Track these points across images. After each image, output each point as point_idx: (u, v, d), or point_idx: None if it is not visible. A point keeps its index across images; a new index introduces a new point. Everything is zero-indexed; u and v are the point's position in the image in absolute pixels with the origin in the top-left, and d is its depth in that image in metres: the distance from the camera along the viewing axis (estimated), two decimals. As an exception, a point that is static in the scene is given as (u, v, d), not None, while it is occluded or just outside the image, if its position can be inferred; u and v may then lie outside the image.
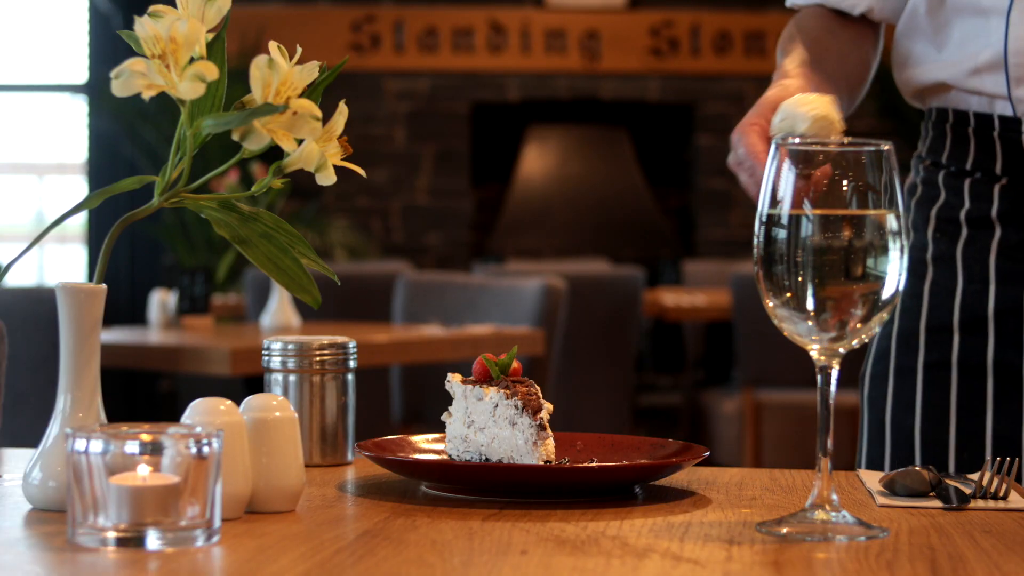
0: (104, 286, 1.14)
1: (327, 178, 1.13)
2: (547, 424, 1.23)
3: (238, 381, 3.71)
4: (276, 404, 1.14)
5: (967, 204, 1.53)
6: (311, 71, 1.12)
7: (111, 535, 0.96)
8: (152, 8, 1.08)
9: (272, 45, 1.11)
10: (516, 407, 1.24)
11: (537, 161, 7.71)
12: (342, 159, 1.16)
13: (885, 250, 1.04)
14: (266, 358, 1.37)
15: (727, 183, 7.55)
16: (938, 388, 1.53)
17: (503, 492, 1.19)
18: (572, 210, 7.64)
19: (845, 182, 1.04)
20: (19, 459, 1.36)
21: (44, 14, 7.77)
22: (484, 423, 1.27)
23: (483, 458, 1.27)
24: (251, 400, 1.14)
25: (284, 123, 1.09)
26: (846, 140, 1.05)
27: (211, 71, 1.05)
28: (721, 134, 7.47)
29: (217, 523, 0.98)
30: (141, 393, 6.94)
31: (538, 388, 1.25)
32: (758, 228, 1.06)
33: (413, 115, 7.64)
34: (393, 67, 7.60)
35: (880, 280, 1.04)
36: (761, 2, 7.46)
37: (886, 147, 1.05)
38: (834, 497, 1.06)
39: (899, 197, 1.05)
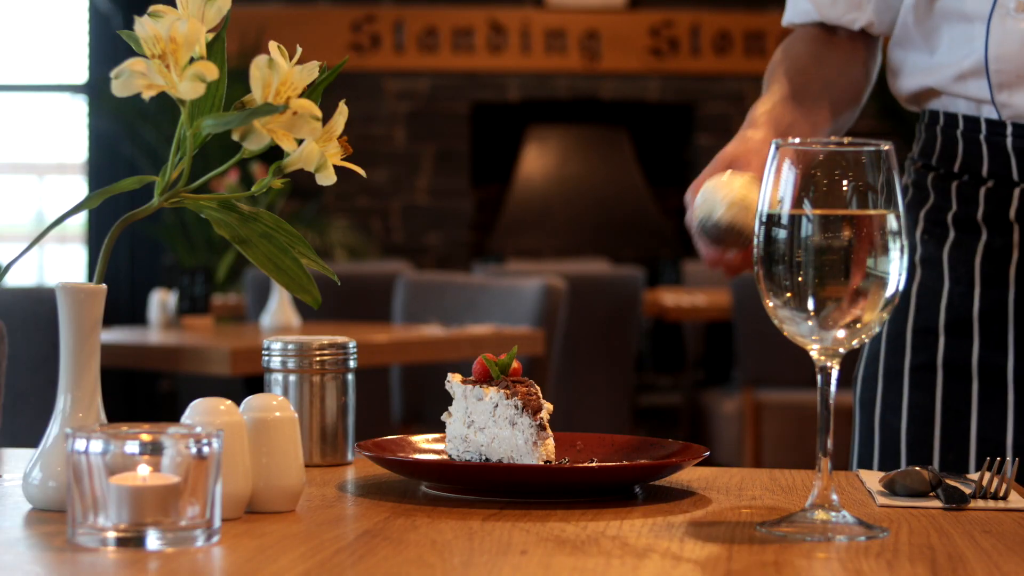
0: (104, 286, 1.14)
1: (327, 178, 1.13)
2: (547, 424, 1.23)
3: (238, 381, 3.71)
4: (276, 404, 1.14)
5: (954, 207, 1.54)
6: (311, 71, 1.12)
7: (111, 535, 0.96)
8: (152, 8, 1.08)
9: (272, 45, 1.11)
10: (516, 407, 1.24)
11: (537, 161, 7.71)
12: (342, 159, 1.16)
13: (885, 250, 1.04)
14: (266, 358, 1.37)
15: (727, 183, 7.53)
16: (924, 390, 1.54)
17: (503, 492, 1.19)
18: (572, 210, 7.64)
19: (845, 182, 1.04)
20: (19, 459, 1.36)
21: (44, 14, 7.77)
22: (484, 423, 1.27)
23: (483, 458, 1.27)
24: (251, 400, 1.14)
25: (284, 123, 1.09)
26: (846, 140, 1.05)
27: (211, 71, 1.05)
28: (721, 134, 7.47)
29: (217, 523, 0.98)
30: (141, 393, 6.94)
31: (538, 388, 1.25)
32: (758, 228, 1.06)
33: (413, 115, 7.64)
34: (393, 67, 7.60)
35: (880, 280, 1.04)
36: (761, 2, 7.46)
37: (886, 147, 1.05)
38: (834, 497, 1.06)
39: (899, 197, 1.05)
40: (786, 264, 1.04)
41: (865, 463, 1.59)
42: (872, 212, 1.04)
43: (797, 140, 1.06)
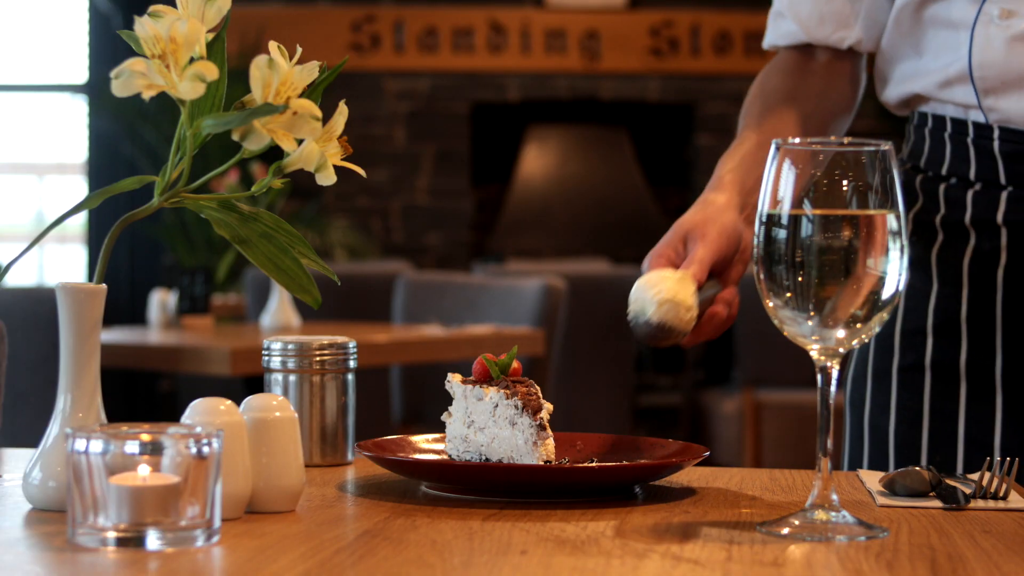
0: (104, 286, 1.14)
1: (327, 178, 1.13)
2: (547, 424, 1.23)
3: (238, 381, 3.71)
4: (276, 404, 1.14)
5: (942, 209, 1.54)
6: (311, 71, 1.12)
7: (111, 535, 0.96)
8: (152, 8, 1.08)
9: (272, 45, 1.11)
10: (516, 407, 1.24)
11: (537, 161, 7.71)
12: (342, 159, 1.16)
13: (885, 250, 1.04)
14: (266, 358, 1.37)
15: (727, 183, 7.53)
16: (912, 390, 1.54)
17: (503, 492, 1.19)
18: (572, 210, 7.64)
19: (845, 182, 1.04)
20: (19, 459, 1.36)
21: (44, 14, 7.77)
22: (484, 423, 1.27)
23: (483, 458, 1.27)
24: (251, 400, 1.14)
25: (284, 123, 1.09)
26: (846, 140, 1.05)
27: (211, 71, 1.05)
28: (721, 134, 7.47)
29: (217, 523, 0.98)
30: (141, 393, 6.94)
31: (538, 388, 1.25)
32: (758, 228, 1.06)
33: (413, 115, 7.64)
34: (393, 67, 7.60)
35: (880, 280, 1.04)
36: (761, 2, 7.45)
37: (886, 147, 1.05)
38: (834, 497, 1.06)
39: (899, 197, 1.05)
40: (786, 264, 1.04)
41: (856, 463, 1.59)
42: (872, 212, 1.04)
43: (797, 140, 1.06)
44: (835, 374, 1.08)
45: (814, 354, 1.08)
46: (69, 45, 7.67)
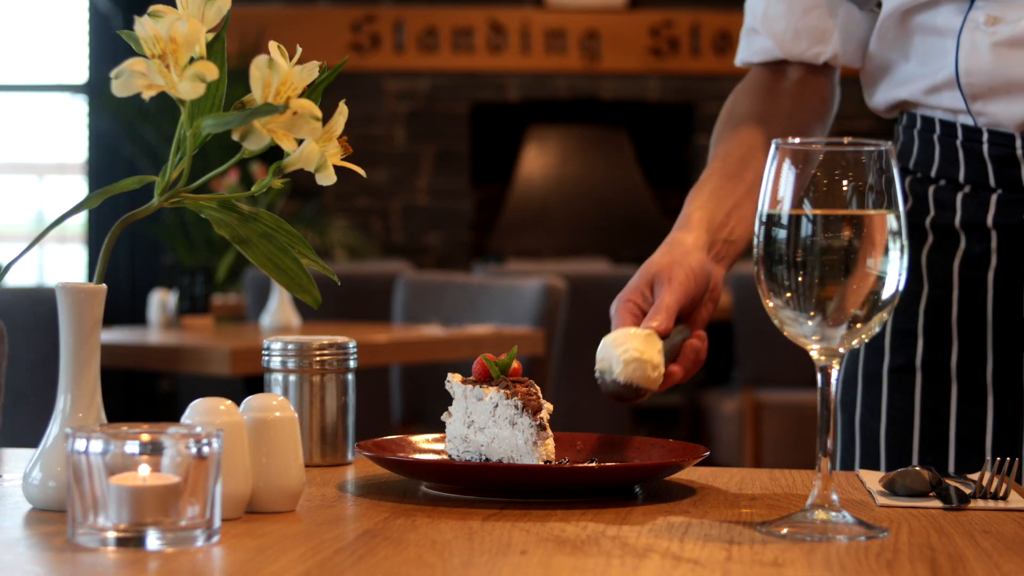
0: (104, 286, 1.14)
1: (327, 178, 1.13)
2: (547, 424, 1.23)
3: (238, 381, 3.71)
4: (276, 404, 1.14)
5: (932, 211, 1.54)
6: (311, 71, 1.12)
7: (111, 535, 0.96)
8: (152, 8, 1.08)
9: (272, 45, 1.11)
10: (516, 407, 1.24)
11: (537, 161, 7.71)
12: (342, 159, 1.16)
13: (885, 250, 1.04)
14: (266, 358, 1.37)
15: (727, 183, 7.53)
16: (903, 392, 1.54)
17: (503, 492, 1.19)
18: (572, 210, 7.64)
19: (845, 182, 1.04)
20: (19, 459, 1.36)
21: (44, 14, 7.77)
22: (484, 423, 1.27)
23: (483, 458, 1.27)
24: (251, 400, 1.14)
25: (284, 123, 1.09)
26: (846, 140, 1.05)
27: (211, 71, 1.05)
28: (721, 134, 7.46)
29: (217, 523, 0.98)
30: (141, 393, 6.94)
31: (538, 388, 1.25)
32: (758, 228, 1.06)
33: (413, 115, 7.65)
34: (393, 67, 7.60)
35: (880, 280, 1.04)
36: (761, 2, 7.44)
37: (886, 147, 1.05)
38: (834, 497, 1.06)
39: (899, 197, 1.05)
40: (786, 264, 1.04)
41: (847, 466, 1.59)
42: (872, 212, 1.04)
43: (797, 140, 1.06)
44: (835, 374, 1.08)
45: (814, 354, 1.08)
46: (69, 45, 7.67)
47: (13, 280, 5.61)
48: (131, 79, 1.05)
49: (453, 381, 1.30)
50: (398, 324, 4.34)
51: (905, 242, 1.06)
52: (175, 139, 1.11)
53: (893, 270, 1.05)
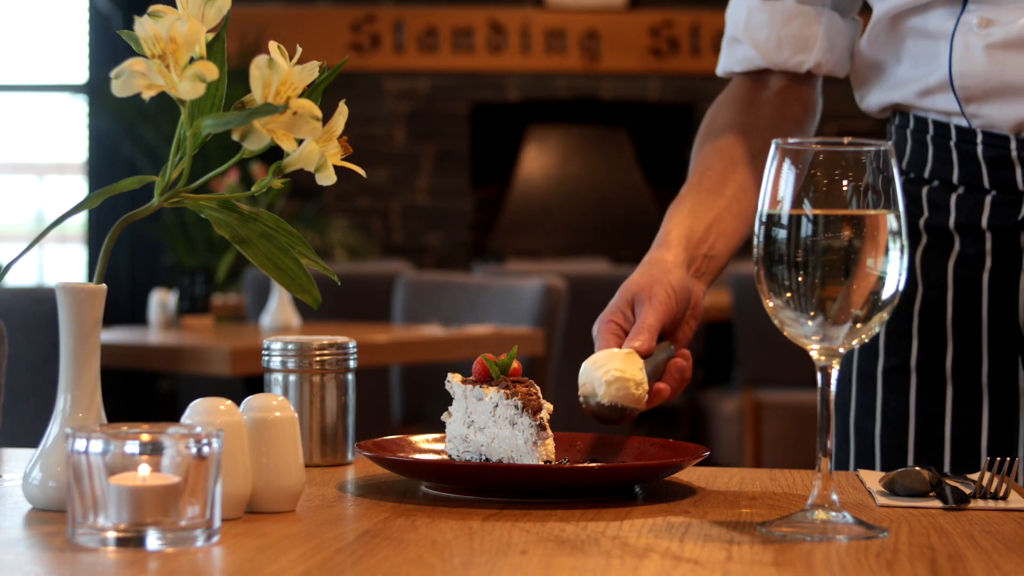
0: (104, 286, 1.14)
1: (327, 178, 1.13)
2: (547, 424, 1.23)
3: (238, 381, 3.71)
4: (276, 404, 1.14)
5: (926, 212, 1.53)
6: (311, 71, 1.12)
7: (111, 535, 0.96)
8: (152, 8, 1.08)
9: (272, 45, 1.11)
10: (516, 407, 1.24)
11: (537, 161, 7.71)
12: (342, 159, 1.16)
13: (885, 250, 1.04)
14: (266, 358, 1.37)
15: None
16: (898, 393, 1.54)
17: (503, 492, 1.19)
18: (572, 210, 7.64)
19: (845, 182, 1.04)
20: (19, 459, 1.36)
21: (44, 14, 7.77)
22: (484, 423, 1.27)
23: (483, 458, 1.27)
24: (251, 400, 1.14)
25: (284, 123, 1.09)
26: (846, 140, 1.05)
27: (211, 71, 1.05)
28: (721, 134, 7.46)
29: (217, 523, 0.98)
30: (141, 393, 6.94)
31: (538, 388, 1.25)
32: (758, 228, 1.06)
33: (413, 115, 7.65)
34: (393, 67, 7.60)
35: (880, 280, 1.04)
36: (761, 2, 7.44)
37: (886, 147, 1.05)
38: (834, 497, 1.06)
39: (899, 197, 1.05)
40: (786, 264, 1.04)
41: (841, 466, 1.59)
42: (872, 212, 1.04)
43: (797, 140, 1.06)
44: (835, 374, 1.08)
45: (814, 354, 1.08)
46: (69, 45, 7.67)
47: (13, 280, 5.61)
48: (131, 79, 1.05)
49: (453, 381, 1.30)
50: (398, 324, 4.34)
51: (905, 242, 1.06)
52: (175, 139, 1.11)
53: (893, 270, 1.05)
